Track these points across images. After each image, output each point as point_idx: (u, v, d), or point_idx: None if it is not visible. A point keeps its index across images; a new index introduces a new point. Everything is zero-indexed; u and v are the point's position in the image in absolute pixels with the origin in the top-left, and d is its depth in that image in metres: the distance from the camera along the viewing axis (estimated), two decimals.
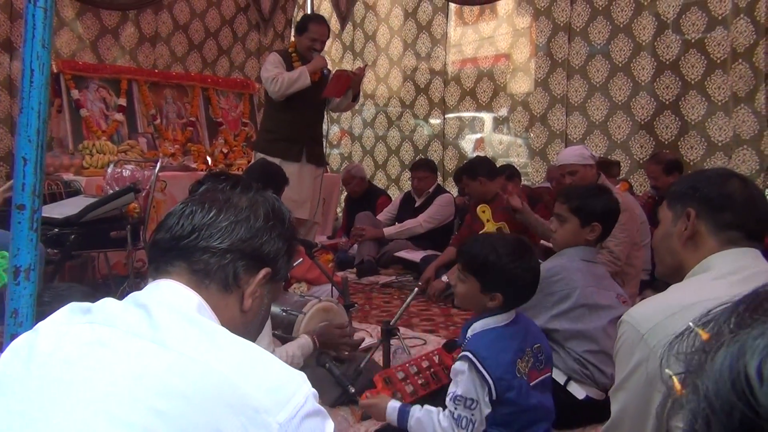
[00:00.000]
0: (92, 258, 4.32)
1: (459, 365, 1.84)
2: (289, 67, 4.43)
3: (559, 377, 2.34)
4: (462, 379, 1.81)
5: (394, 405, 1.94)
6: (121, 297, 0.99)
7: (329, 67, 4.83)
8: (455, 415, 1.79)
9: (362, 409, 2.07)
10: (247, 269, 1.05)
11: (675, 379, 0.42)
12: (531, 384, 1.89)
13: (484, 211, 4.15)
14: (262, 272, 1.06)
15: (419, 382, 2.39)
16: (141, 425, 0.80)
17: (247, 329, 1.09)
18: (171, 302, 0.96)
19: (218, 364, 0.86)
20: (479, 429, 1.81)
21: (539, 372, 1.95)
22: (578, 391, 2.37)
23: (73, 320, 0.93)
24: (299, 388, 0.89)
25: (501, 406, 1.82)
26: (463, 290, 1.97)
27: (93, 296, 1.09)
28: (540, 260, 2.39)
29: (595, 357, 2.37)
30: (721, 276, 1.37)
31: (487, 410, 1.81)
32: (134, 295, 0.97)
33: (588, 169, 3.71)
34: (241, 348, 0.91)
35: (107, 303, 0.95)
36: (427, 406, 1.90)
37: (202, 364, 0.85)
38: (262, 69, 4.52)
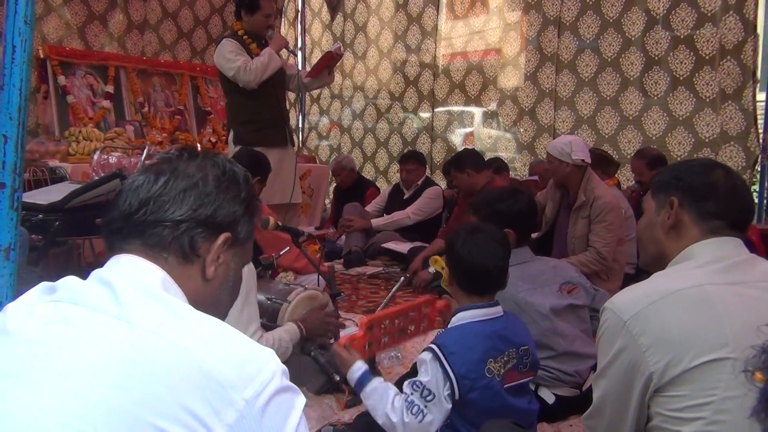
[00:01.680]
0: (78, 245, 4.29)
1: (424, 355, 1.81)
2: (246, 51, 4.17)
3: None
4: (424, 369, 1.79)
5: (360, 366, 1.90)
6: None
7: (342, 51, 4.62)
8: (408, 399, 1.77)
9: (334, 352, 2.02)
10: (204, 237, 1.02)
11: (758, 373, 0.49)
12: (506, 386, 1.84)
13: (436, 261, 4.00)
14: (221, 237, 1.04)
15: (396, 333, 2.29)
16: (105, 402, 0.79)
17: (217, 298, 1.08)
18: (135, 278, 0.95)
19: (183, 340, 0.85)
20: (429, 425, 1.76)
21: (521, 374, 1.90)
22: (548, 395, 2.35)
23: (39, 299, 0.92)
24: (266, 364, 0.87)
25: (464, 408, 1.78)
26: (446, 274, 2.00)
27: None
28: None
29: (555, 360, 2.33)
30: (703, 264, 1.38)
31: (446, 406, 1.76)
32: (97, 272, 0.95)
33: (563, 167, 3.70)
34: (207, 324, 0.90)
35: (71, 281, 0.94)
36: (389, 383, 1.88)
37: (166, 340, 0.84)
38: (221, 59, 4.15)
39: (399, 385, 1.94)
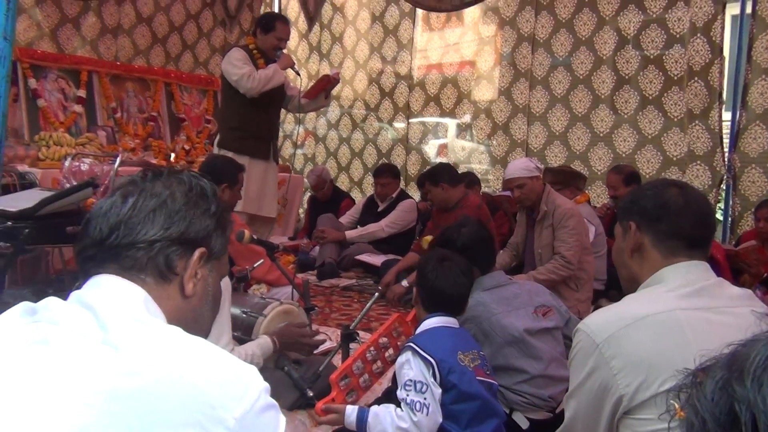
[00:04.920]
0: (46, 253, 4.21)
1: (402, 357, 1.93)
2: (253, 64, 4.39)
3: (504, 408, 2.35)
4: (407, 368, 1.89)
5: (350, 409, 1.98)
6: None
7: (339, 77, 4.86)
8: (408, 401, 1.84)
9: (319, 423, 2.10)
10: (180, 254, 1.02)
11: (677, 405, 0.52)
12: (478, 378, 1.95)
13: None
14: (197, 253, 1.04)
15: (374, 369, 2.35)
16: (93, 428, 0.78)
17: (198, 314, 1.08)
18: (117, 300, 0.95)
19: (170, 363, 0.85)
20: (435, 414, 1.84)
21: (486, 375, 2.01)
22: (522, 420, 2.36)
23: (20, 320, 0.91)
24: (252, 382, 0.88)
25: (446, 393, 1.88)
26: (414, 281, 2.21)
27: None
28: None
29: (529, 384, 2.35)
30: (673, 288, 1.42)
31: (437, 391, 1.86)
32: (78, 294, 0.95)
33: (534, 181, 3.79)
34: (192, 345, 0.91)
35: (52, 303, 0.93)
36: (382, 405, 1.95)
37: (152, 364, 0.84)
38: (228, 65, 4.38)
39: (383, 401, 2.01)
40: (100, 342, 0.86)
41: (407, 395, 1.84)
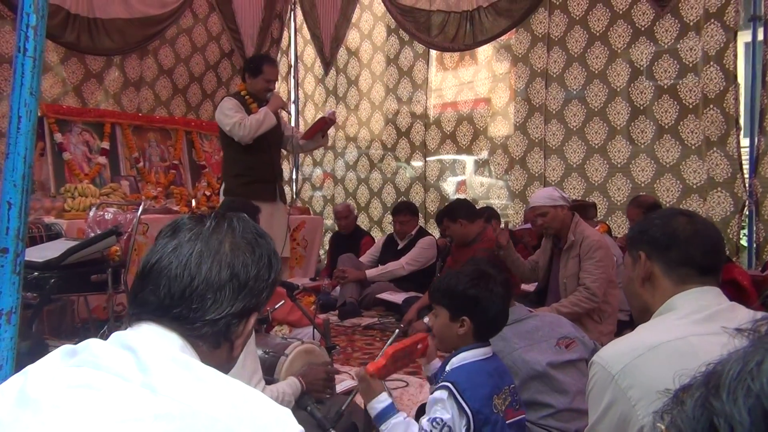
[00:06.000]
0: (72, 302, 4.28)
1: (438, 394, 1.85)
2: (246, 110, 4.42)
3: None
4: (442, 407, 1.83)
5: (385, 398, 1.92)
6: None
7: (335, 117, 4.87)
8: None
9: (359, 377, 2.00)
10: (238, 323, 1.04)
11: (662, 427, 0.54)
12: (508, 422, 1.90)
13: None
14: (252, 319, 1.06)
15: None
16: None
17: (232, 363, 1.10)
18: (156, 343, 0.95)
19: (209, 408, 0.85)
20: None
21: (515, 411, 1.96)
22: None
23: (61, 363, 0.92)
24: (288, 426, 0.89)
25: None
26: (437, 325, 2.01)
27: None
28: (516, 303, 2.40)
29: (555, 419, 2.31)
30: (685, 315, 1.41)
31: None
32: (119, 336, 0.96)
33: (558, 210, 3.78)
34: (231, 389, 0.91)
35: (93, 345, 0.93)
36: (410, 419, 1.91)
37: (192, 409, 0.85)
38: (220, 115, 4.40)
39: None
40: (140, 385, 0.87)
41: (431, 430, 1.81)
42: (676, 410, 0.54)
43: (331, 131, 7.79)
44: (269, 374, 2.53)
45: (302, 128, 6.76)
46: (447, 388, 1.84)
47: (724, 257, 1.57)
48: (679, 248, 1.47)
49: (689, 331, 1.36)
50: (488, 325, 1.98)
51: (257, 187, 4.43)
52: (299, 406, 2.42)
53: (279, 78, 7.91)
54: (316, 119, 4.75)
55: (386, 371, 2.04)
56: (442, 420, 1.81)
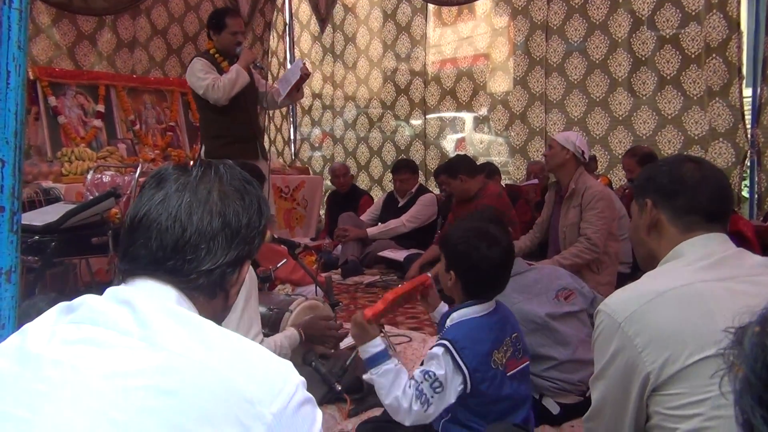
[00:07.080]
0: (74, 265, 4.28)
1: (435, 350, 1.84)
2: (218, 69, 4.24)
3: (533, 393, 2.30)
4: (437, 363, 1.81)
5: (378, 343, 1.86)
6: None
7: (309, 69, 4.72)
8: (418, 388, 1.78)
9: (354, 322, 1.94)
10: (232, 272, 1.03)
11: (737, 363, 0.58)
12: (509, 374, 1.89)
13: None
14: (246, 267, 1.05)
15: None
16: (135, 425, 0.79)
17: (227, 312, 1.09)
18: (153, 297, 0.95)
19: (208, 360, 0.86)
20: (431, 415, 1.80)
21: (518, 361, 1.95)
22: (552, 406, 2.35)
23: (59, 320, 0.91)
24: (289, 377, 0.89)
25: (473, 398, 1.83)
26: (440, 270, 1.99)
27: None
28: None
29: (558, 370, 2.33)
30: (692, 262, 1.40)
31: (449, 400, 1.80)
32: (114, 291, 0.94)
33: (564, 152, 3.73)
34: (229, 341, 0.91)
35: (90, 301, 0.92)
36: (401, 366, 1.86)
37: (192, 362, 0.85)
38: (192, 78, 4.23)
39: None
40: (138, 339, 0.86)
41: (421, 382, 1.80)
42: (734, 349, 0.57)
43: (329, 90, 7.75)
44: (274, 330, 2.54)
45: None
46: (444, 345, 1.82)
47: (732, 203, 1.56)
48: (686, 195, 1.45)
49: (696, 277, 1.36)
50: (476, 285, 1.92)
51: (238, 146, 4.26)
52: (304, 362, 2.44)
53: (276, 36, 7.80)
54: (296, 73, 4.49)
55: (383, 315, 2.01)
56: (434, 374, 1.79)
